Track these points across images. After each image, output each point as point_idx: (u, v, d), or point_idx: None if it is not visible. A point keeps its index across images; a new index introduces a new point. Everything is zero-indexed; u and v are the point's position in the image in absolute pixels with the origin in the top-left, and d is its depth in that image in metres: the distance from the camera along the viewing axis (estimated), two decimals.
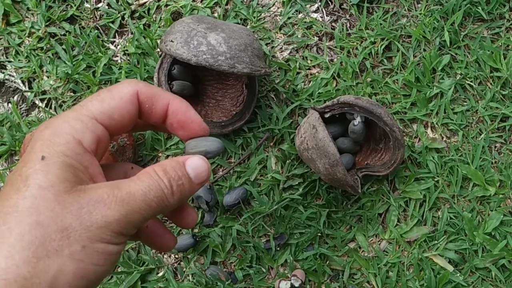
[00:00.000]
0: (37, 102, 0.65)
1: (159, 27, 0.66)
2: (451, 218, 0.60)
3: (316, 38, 0.66)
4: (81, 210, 0.26)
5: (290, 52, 0.66)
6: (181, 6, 0.66)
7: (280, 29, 0.66)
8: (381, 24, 0.66)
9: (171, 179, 0.29)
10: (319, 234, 0.60)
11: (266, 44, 0.66)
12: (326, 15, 0.67)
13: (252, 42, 0.57)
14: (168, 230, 0.36)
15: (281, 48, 0.66)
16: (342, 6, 0.67)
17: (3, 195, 0.26)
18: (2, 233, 0.25)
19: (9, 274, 0.24)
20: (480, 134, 0.63)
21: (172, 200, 0.29)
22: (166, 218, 0.61)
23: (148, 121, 0.32)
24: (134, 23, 0.66)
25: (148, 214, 0.28)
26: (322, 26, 0.66)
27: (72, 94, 0.65)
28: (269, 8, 0.67)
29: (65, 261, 0.25)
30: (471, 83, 0.64)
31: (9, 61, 0.66)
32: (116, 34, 0.67)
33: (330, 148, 0.53)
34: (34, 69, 0.65)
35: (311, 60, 0.66)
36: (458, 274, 0.58)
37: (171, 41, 0.54)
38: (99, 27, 0.67)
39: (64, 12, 0.67)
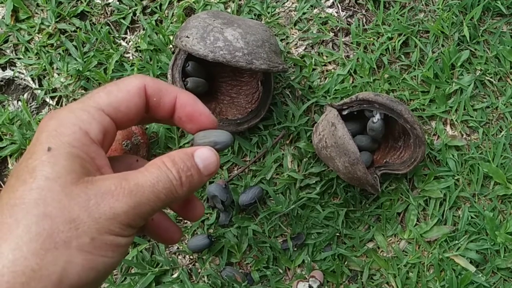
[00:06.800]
0: (47, 99, 0.64)
1: (172, 23, 0.65)
2: (472, 217, 0.59)
3: (331, 34, 0.65)
4: (88, 201, 0.26)
5: (305, 48, 0.64)
6: (193, 2, 0.65)
7: (295, 24, 0.65)
8: (398, 19, 0.64)
9: (180, 170, 0.29)
10: (337, 234, 0.59)
11: (281, 40, 0.64)
12: (342, 10, 0.66)
13: (269, 37, 0.55)
14: (174, 223, 0.35)
15: (296, 44, 0.65)
16: (358, 1, 0.66)
17: (9, 187, 0.26)
18: (9, 225, 0.24)
19: (17, 266, 0.23)
20: (501, 131, 0.61)
21: (181, 192, 0.29)
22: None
23: (155, 115, 0.32)
24: (146, 19, 0.65)
25: (156, 206, 0.28)
26: (338, 22, 0.65)
27: (83, 91, 0.63)
28: (284, 3, 0.66)
29: (74, 253, 0.25)
30: (491, 79, 0.63)
31: (19, 58, 0.64)
32: (128, 30, 0.66)
33: (350, 146, 0.51)
34: (44, 66, 0.63)
35: (326, 56, 0.64)
36: (479, 275, 0.57)
37: (187, 36, 0.52)
38: (110, 23, 0.66)
39: (74, 8, 0.65)
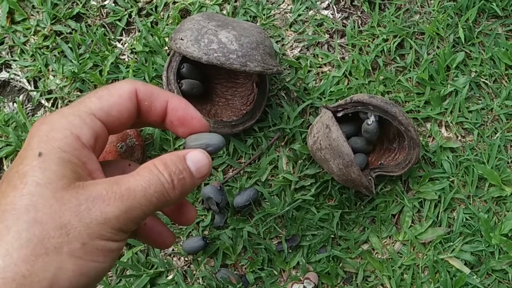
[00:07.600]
0: (43, 101, 0.64)
1: (167, 24, 0.65)
2: (466, 219, 0.59)
3: (327, 36, 0.65)
4: (79, 206, 0.25)
5: (301, 50, 0.64)
6: (189, 4, 0.65)
7: (290, 26, 0.65)
8: (393, 21, 0.64)
9: (171, 173, 0.28)
10: (332, 236, 0.59)
11: (276, 42, 0.64)
12: (337, 12, 0.66)
13: (264, 40, 0.55)
14: (167, 227, 0.35)
15: (291, 45, 0.65)
16: (353, 3, 0.66)
17: None
18: None
19: (7, 273, 0.23)
20: (496, 133, 0.61)
21: (173, 195, 0.28)
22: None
23: (147, 119, 0.32)
24: (141, 21, 0.65)
25: (148, 210, 0.27)
26: (333, 23, 0.65)
27: (78, 93, 0.63)
28: (279, 5, 0.66)
29: (65, 259, 0.25)
30: (486, 81, 0.63)
31: (14, 60, 0.64)
32: (123, 32, 0.66)
33: (344, 148, 0.51)
34: (40, 68, 0.64)
35: (322, 58, 0.64)
36: (474, 277, 0.57)
37: (181, 39, 0.52)
38: (105, 25, 0.66)
39: (70, 10, 0.65)
